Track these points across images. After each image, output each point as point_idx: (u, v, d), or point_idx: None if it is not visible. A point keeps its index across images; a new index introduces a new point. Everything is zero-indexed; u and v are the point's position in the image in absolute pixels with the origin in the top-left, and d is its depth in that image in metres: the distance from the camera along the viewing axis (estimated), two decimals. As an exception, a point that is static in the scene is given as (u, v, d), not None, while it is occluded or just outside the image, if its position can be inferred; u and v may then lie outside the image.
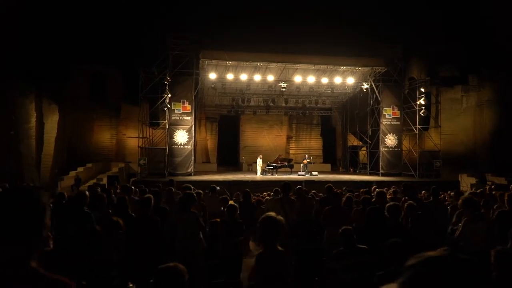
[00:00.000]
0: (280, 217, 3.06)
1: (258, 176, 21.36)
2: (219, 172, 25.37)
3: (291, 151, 29.20)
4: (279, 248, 2.96)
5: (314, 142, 29.86)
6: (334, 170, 28.07)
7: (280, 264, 2.89)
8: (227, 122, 29.58)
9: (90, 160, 23.83)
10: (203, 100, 25.18)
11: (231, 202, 6.54)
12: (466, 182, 20.87)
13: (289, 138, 29.84)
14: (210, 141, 28.90)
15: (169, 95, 19.17)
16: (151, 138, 21.60)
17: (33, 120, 19.94)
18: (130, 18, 26.11)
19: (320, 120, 30.16)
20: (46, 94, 21.06)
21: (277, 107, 26.56)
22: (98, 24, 25.27)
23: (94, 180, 19.22)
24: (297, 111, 27.02)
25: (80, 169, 21.88)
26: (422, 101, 20.49)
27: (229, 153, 29.55)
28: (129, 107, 26.61)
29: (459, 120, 26.19)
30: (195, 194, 5.68)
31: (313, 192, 10.13)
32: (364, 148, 25.88)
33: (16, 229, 1.35)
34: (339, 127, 30.16)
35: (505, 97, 23.92)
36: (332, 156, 30.20)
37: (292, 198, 6.56)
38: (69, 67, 23.68)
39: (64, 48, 22.77)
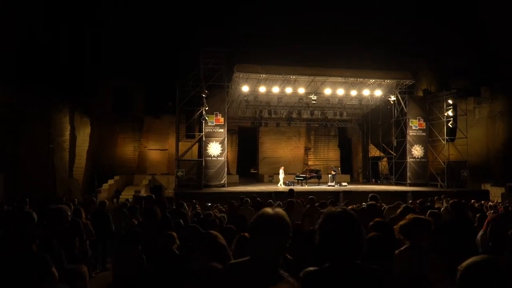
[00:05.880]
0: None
1: (281, 187, 21.40)
2: (241, 183, 25.50)
3: (309, 162, 29.43)
4: None
5: (332, 153, 30.21)
6: (353, 181, 28.38)
7: None
8: (245, 134, 29.77)
9: (114, 173, 23.80)
10: (228, 113, 25.40)
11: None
12: (492, 192, 21.37)
13: (307, 149, 30.11)
14: (230, 153, 29.01)
15: (206, 108, 19.37)
16: (173, 150, 21.62)
17: (67, 133, 19.95)
18: (162, 33, 26.41)
19: (337, 132, 30.58)
20: (78, 108, 21.09)
21: (298, 119, 26.90)
22: (123, 37, 25.48)
23: (133, 192, 19.19)
24: (318, 123, 27.36)
25: (110, 181, 21.90)
26: (450, 113, 21.07)
27: (248, 165, 29.70)
28: (151, 120, 26.76)
29: (472, 131, 26.86)
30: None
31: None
32: (385, 159, 26.31)
33: None
34: (355, 138, 30.60)
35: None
36: (349, 167, 30.58)
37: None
38: (96, 82, 23.78)
39: (92, 63, 22.92)
